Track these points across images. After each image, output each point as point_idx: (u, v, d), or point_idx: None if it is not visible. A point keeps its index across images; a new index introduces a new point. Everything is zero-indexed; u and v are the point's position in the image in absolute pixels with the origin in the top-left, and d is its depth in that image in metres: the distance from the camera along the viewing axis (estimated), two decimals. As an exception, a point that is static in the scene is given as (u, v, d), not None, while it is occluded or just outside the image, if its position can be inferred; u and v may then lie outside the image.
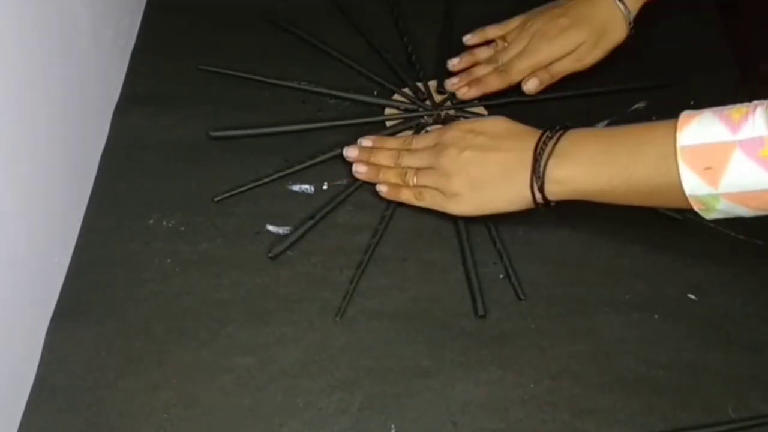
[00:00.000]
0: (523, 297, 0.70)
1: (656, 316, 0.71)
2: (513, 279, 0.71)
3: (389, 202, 0.76)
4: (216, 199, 0.75)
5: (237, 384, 0.66)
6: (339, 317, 0.69)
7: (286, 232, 0.74)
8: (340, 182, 0.78)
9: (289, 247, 0.73)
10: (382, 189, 0.76)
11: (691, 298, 0.72)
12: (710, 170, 0.61)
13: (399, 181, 0.76)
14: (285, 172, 0.78)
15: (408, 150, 0.77)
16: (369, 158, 0.78)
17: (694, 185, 0.62)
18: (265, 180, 0.77)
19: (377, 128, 0.81)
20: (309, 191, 0.77)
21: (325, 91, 0.83)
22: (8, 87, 0.60)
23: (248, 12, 0.91)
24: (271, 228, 0.75)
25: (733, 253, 0.74)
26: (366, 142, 0.79)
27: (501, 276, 0.72)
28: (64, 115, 0.70)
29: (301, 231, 0.74)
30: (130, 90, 0.84)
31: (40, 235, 0.67)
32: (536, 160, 0.69)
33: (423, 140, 0.77)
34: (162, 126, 0.81)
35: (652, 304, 0.71)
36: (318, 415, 0.65)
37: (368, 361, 0.68)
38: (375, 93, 0.84)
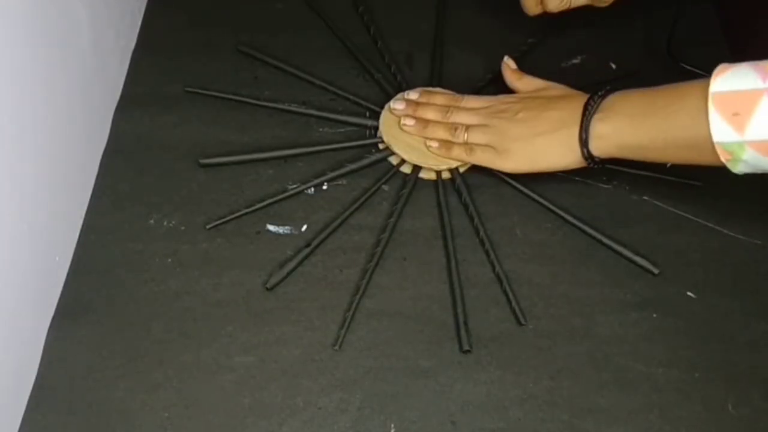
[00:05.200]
0: (524, 322, 0.70)
1: (655, 315, 0.71)
2: (513, 303, 0.70)
3: (393, 204, 0.76)
4: (208, 227, 0.74)
5: (237, 384, 0.66)
6: (346, 320, 0.70)
7: (286, 231, 0.75)
8: (340, 183, 0.78)
9: (286, 277, 0.72)
10: (432, 144, 0.77)
11: (690, 297, 0.72)
12: (737, 116, 0.61)
13: (449, 137, 0.77)
14: (278, 198, 0.76)
15: (457, 107, 0.78)
16: (416, 112, 0.79)
17: (721, 131, 0.62)
18: (258, 206, 0.76)
19: (369, 149, 0.80)
20: (309, 191, 0.77)
21: (316, 113, 0.82)
22: (9, 87, 0.60)
23: (248, 14, 0.91)
24: (271, 228, 0.75)
25: (732, 252, 0.74)
26: (413, 95, 0.80)
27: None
28: (65, 115, 0.71)
29: (297, 260, 0.72)
30: (131, 90, 0.84)
31: (42, 234, 0.67)
32: (584, 116, 0.71)
33: (477, 101, 0.79)
34: (162, 126, 0.81)
35: (651, 303, 0.71)
36: (318, 415, 0.65)
37: (368, 361, 0.68)
38: (367, 114, 0.82)
